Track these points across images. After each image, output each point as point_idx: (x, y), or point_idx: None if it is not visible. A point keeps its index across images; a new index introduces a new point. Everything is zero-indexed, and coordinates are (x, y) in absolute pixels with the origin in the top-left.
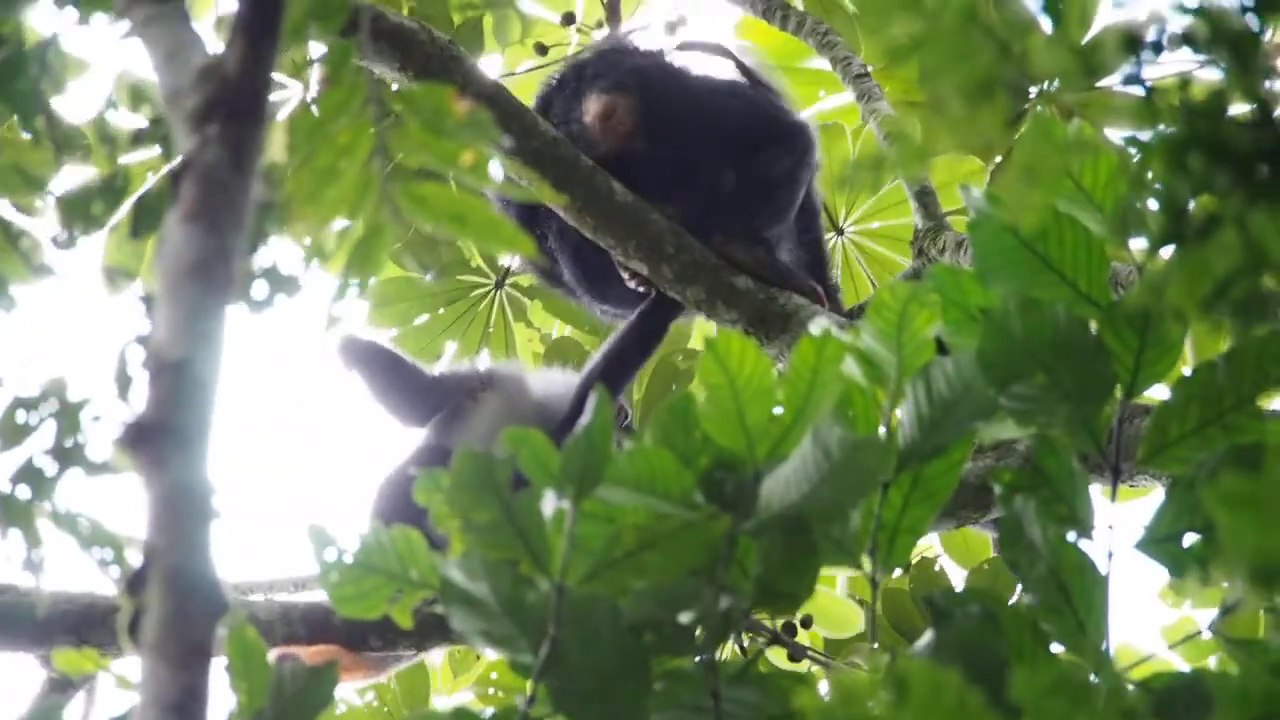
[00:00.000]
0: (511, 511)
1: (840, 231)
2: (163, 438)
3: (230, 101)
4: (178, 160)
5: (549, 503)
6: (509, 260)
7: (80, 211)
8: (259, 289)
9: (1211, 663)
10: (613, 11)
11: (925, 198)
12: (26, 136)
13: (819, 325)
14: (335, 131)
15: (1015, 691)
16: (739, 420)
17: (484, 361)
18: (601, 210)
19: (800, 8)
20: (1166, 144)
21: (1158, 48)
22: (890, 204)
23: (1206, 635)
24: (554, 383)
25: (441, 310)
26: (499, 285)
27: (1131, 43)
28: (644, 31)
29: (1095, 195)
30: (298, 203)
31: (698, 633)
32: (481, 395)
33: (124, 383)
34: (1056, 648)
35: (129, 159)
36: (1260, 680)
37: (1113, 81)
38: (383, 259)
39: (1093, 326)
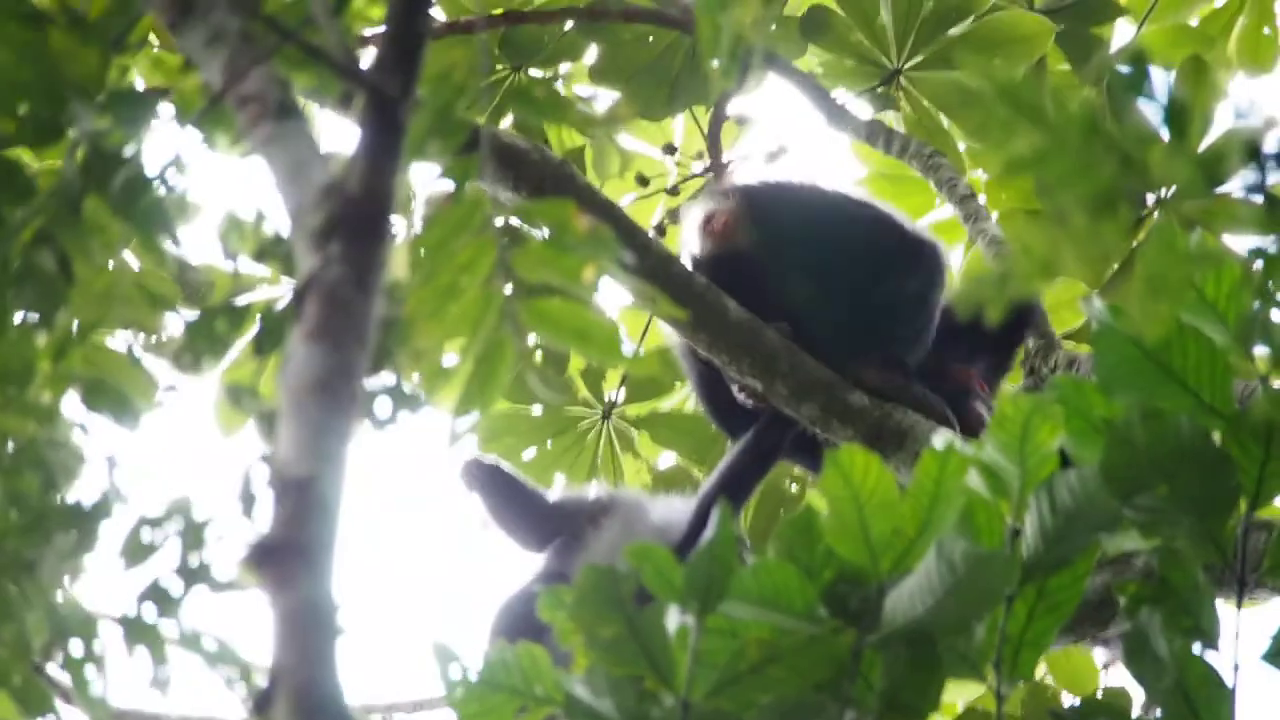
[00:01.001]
0: (635, 627)
1: None
2: (289, 556)
3: (353, 219)
4: (301, 279)
5: (673, 618)
6: (614, 392)
7: (204, 332)
8: (382, 406)
9: None
10: (713, 142)
11: (1044, 335)
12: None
13: (942, 439)
14: (456, 249)
15: None
16: (863, 533)
17: (601, 488)
18: (715, 327)
19: (902, 130)
20: None
21: None
22: None
23: None
24: (672, 508)
25: (549, 443)
26: (605, 417)
27: (1253, 151)
28: (745, 161)
29: (1219, 305)
30: (420, 320)
31: None
32: (600, 520)
33: (248, 501)
34: None
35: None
36: None
37: (1233, 188)
38: (504, 376)
39: (1216, 438)
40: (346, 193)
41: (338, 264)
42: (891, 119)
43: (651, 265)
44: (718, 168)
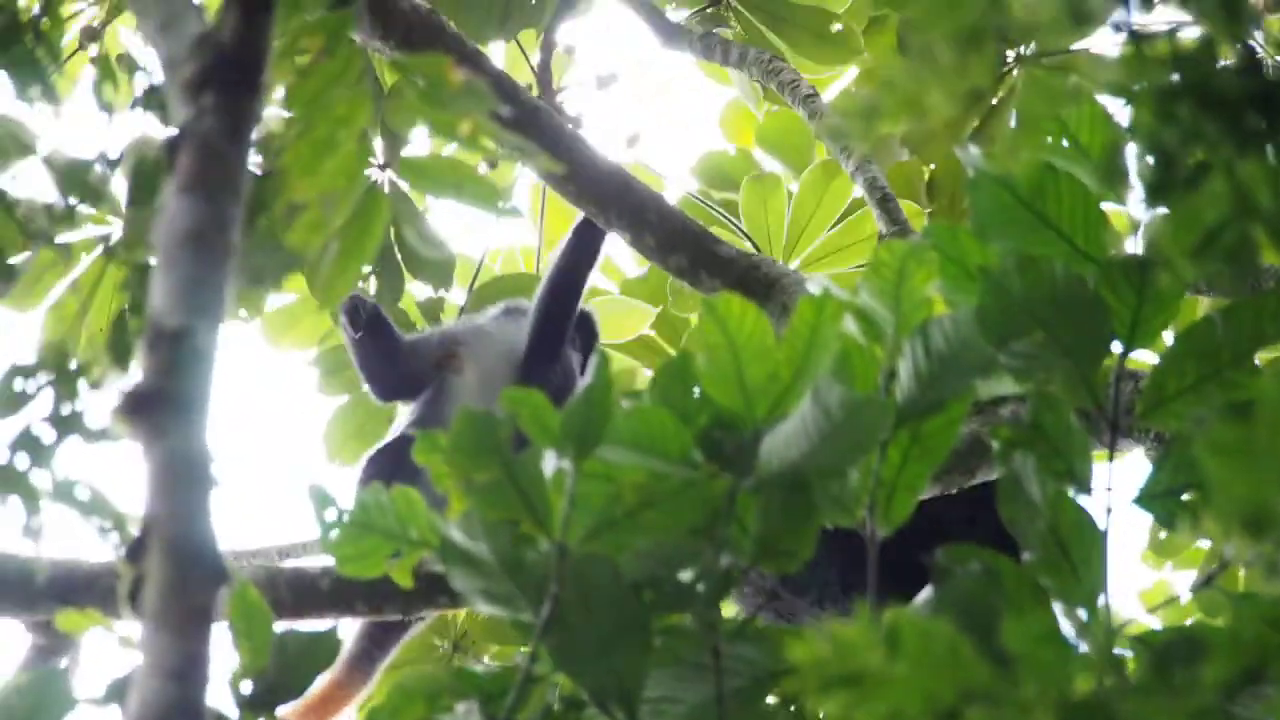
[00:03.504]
0: (511, 471)
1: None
2: (161, 406)
3: (226, 71)
4: (175, 130)
5: (549, 463)
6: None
7: (77, 180)
8: (257, 260)
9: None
10: (543, 70)
11: (888, 204)
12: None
13: (818, 285)
14: (332, 102)
15: (1008, 640)
16: (738, 379)
17: (446, 325)
18: (586, 178)
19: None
20: (1156, 92)
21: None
22: (838, 248)
23: (1185, 598)
24: (518, 328)
25: None
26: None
27: None
28: (575, 91)
29: (1091, 152)
30: (295, 174)
31: (698, 590)
32: (452, 361)
33: (122, 350)
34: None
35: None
36: (1252, 629)
37: (1094, 43)
38: (379, 232)
39: (1090, 283)
40: (219, 43)
41: (211, 115)
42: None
43: (520, 116)
44: (548, 97)
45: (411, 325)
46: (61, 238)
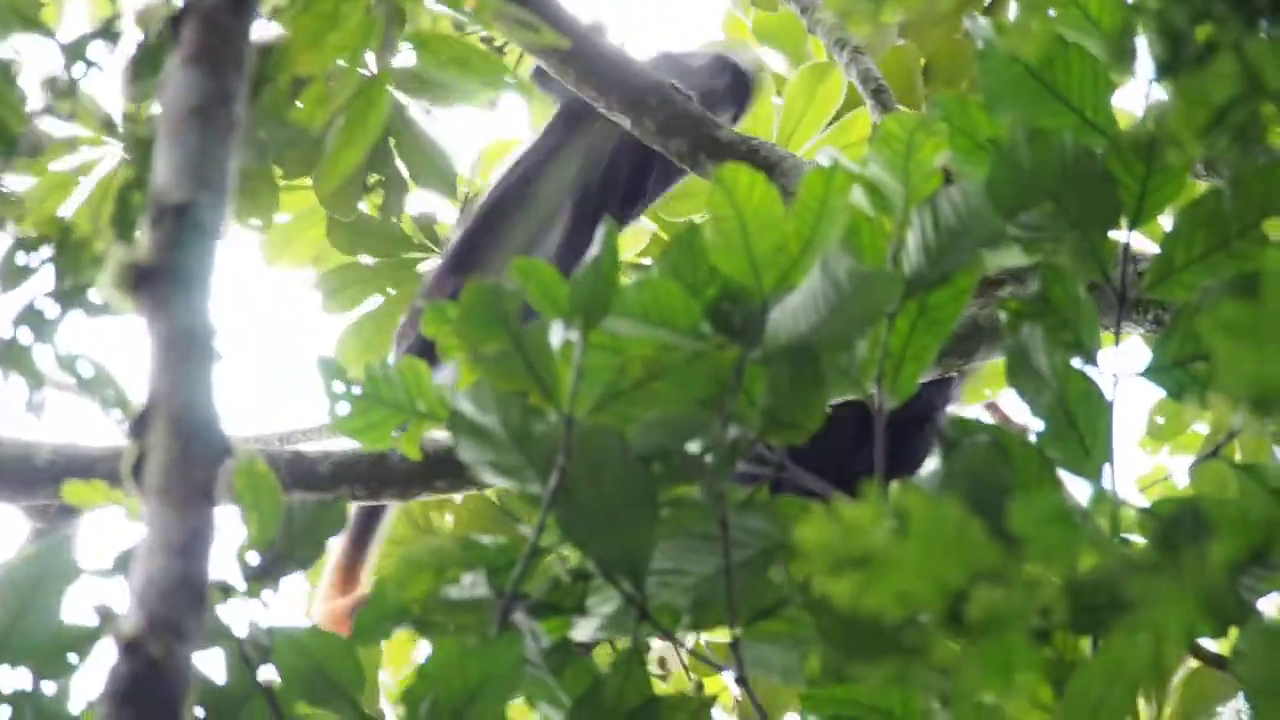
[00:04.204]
0: (520, 342)
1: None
2: (165, 281)
3: None
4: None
5: (556, 334)
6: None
7: (79, 54)
8: (261, 134)
9: None
10: None
11: (881, 95)
12: None
13: (827, 157)
14: None
15: (1014, 522)
16: (746, 250)
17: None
18: (585, 61)
19: None
20: None
21: None
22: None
23: (1182, 482)
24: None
25: (392, 291)
26: None
27: None
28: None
29: (1101, 23)
30: (299, 47)
31: (706, 461)
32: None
33: (125, 225)
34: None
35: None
36: (1261, 504)
37: None
38: (382, 113)
39: (1099, 155)
40: None
41: None
42: None
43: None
44: None
45: (406, 239)
46: (59, 164)
